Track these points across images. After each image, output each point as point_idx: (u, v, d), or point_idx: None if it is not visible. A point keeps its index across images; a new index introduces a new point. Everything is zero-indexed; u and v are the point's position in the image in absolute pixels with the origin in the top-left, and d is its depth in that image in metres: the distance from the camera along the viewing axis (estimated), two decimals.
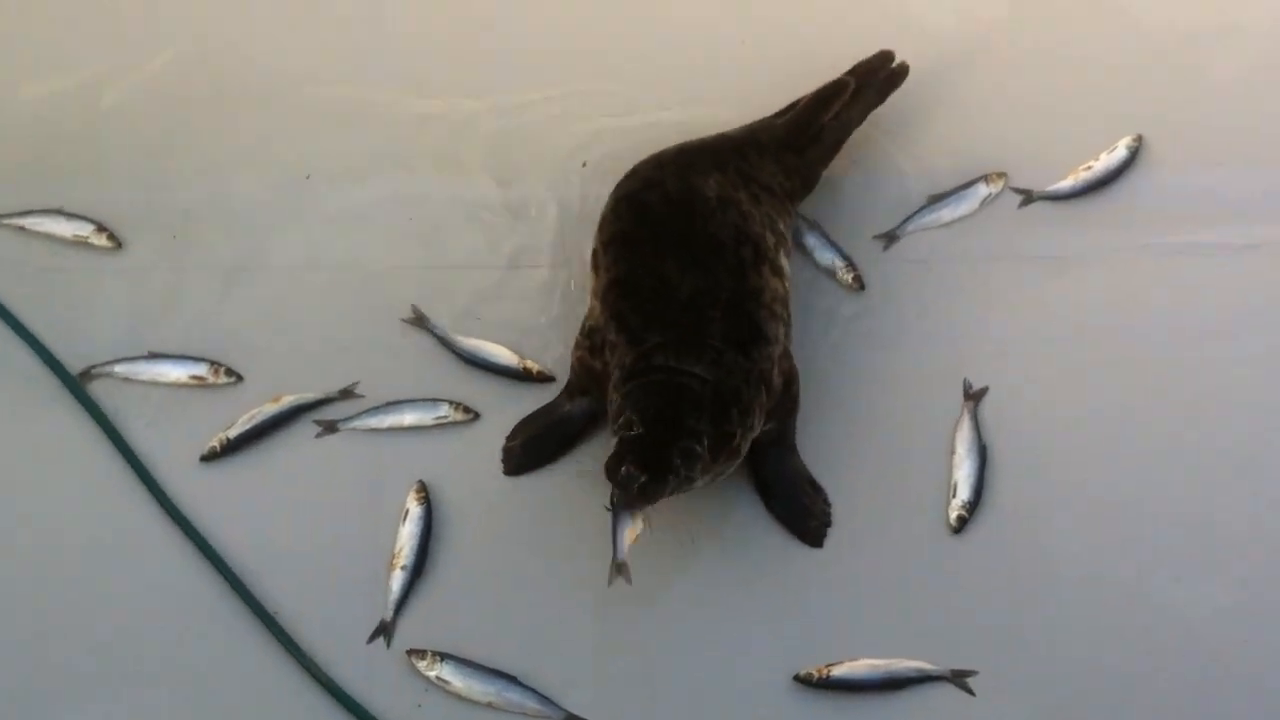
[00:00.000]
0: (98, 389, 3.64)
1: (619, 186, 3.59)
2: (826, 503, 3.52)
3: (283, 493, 3.55)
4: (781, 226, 3.58)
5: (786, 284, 3.49)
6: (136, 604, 3.42)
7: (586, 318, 3.52)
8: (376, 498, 3.52)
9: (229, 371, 3.65)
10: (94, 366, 3.66)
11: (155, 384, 3.65)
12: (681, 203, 3.44)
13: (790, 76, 3.86)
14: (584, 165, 3.92)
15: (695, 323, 3.25)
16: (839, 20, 4.09)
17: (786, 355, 3.43)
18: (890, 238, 3.86)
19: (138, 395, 3.64)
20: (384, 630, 3.39)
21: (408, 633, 3.40)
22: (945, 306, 3.77)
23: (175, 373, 3.65)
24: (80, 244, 3.79)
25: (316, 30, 4.10)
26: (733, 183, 3.53)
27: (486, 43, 4.08)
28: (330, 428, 3.59)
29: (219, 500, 3.52)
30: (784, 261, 3.53)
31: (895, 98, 3.90)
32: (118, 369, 3.65)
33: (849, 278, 3.77)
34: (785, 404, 3.44)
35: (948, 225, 3.87)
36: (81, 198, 3.85)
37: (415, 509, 3.47)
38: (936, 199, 3.89)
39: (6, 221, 3.81)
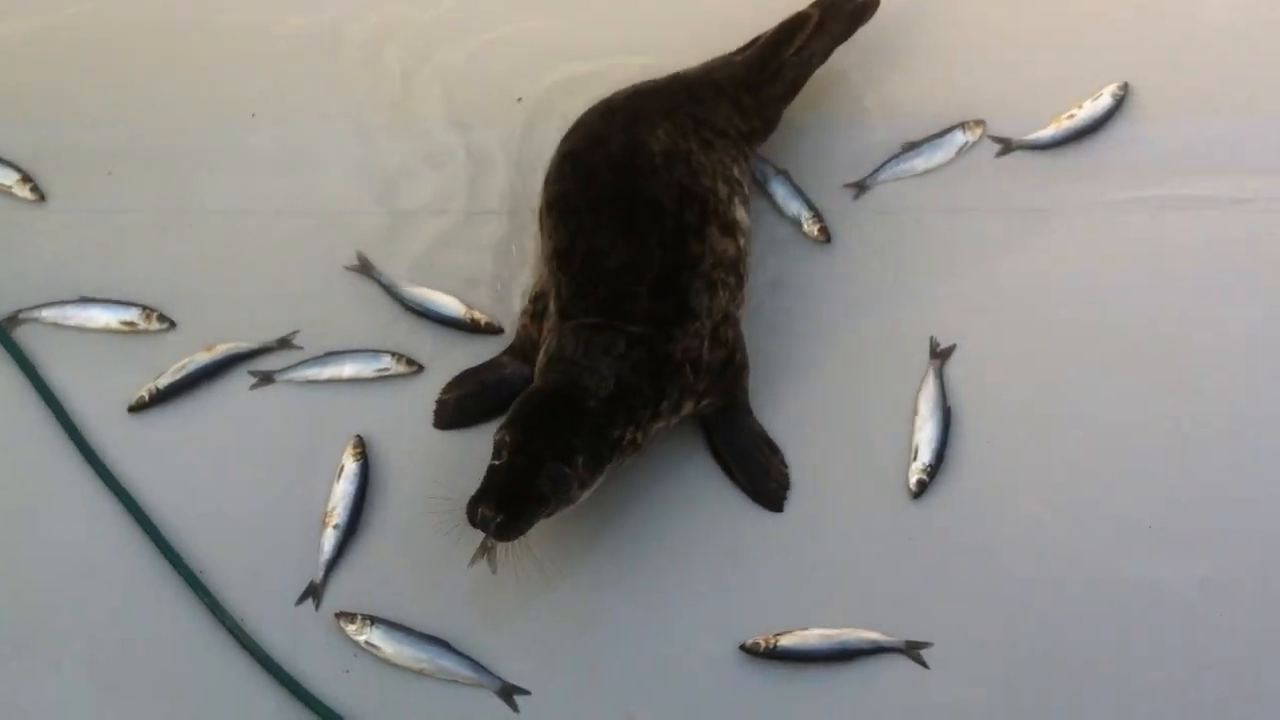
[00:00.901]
0: (24, 334, 3.51)
1: (565, 139, 3.45)
2: (784, 464, 3.39)
3: (213, 446, 3.42)
4: (736, 172, 3.44)
5: (741, 241, 3.35)
6: (56, 559, 3.30)
7: (534, 282, 3.42)
8: (311, 453, 3.39)
9: (161, 317, 3.51)
10: (21, 311, 3.52)
11: (84, 330, 3.52)
12: (623, 163, 3.30)
13: (754, 12, 3.70)
14: (519, 100, 3.79)
15: (618, 299, 3.16)
16: None
17: (728, 323, 3.29)
18: (860, 187, 3.72)
19: (66, 341, 3.51)
20: (313, 592, 3.26)
21: (338, 595, 3.27)
22: (916, 260, 3.63)
23: (105, 318, 3.51)
24: (3, 193, 3.65)
25: None
26: (683, 131, 3.39)
27: None
28: (266, 379, 3.46)
29: (146, 453, 3.39)
30: (738, 214, 3.38)
31: (867, 37, 3.74)
32: (45, 314, 3.51)
33: (815, 229, 3.63)
34: (727, 376, 3.33)
35: (921, 175, 3.73)
36: (9, 135, 3.73)
37: (351, 465, 3.34)
38: (910, 147, 3.75)
39: None
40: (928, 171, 3.72)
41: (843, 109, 3.81)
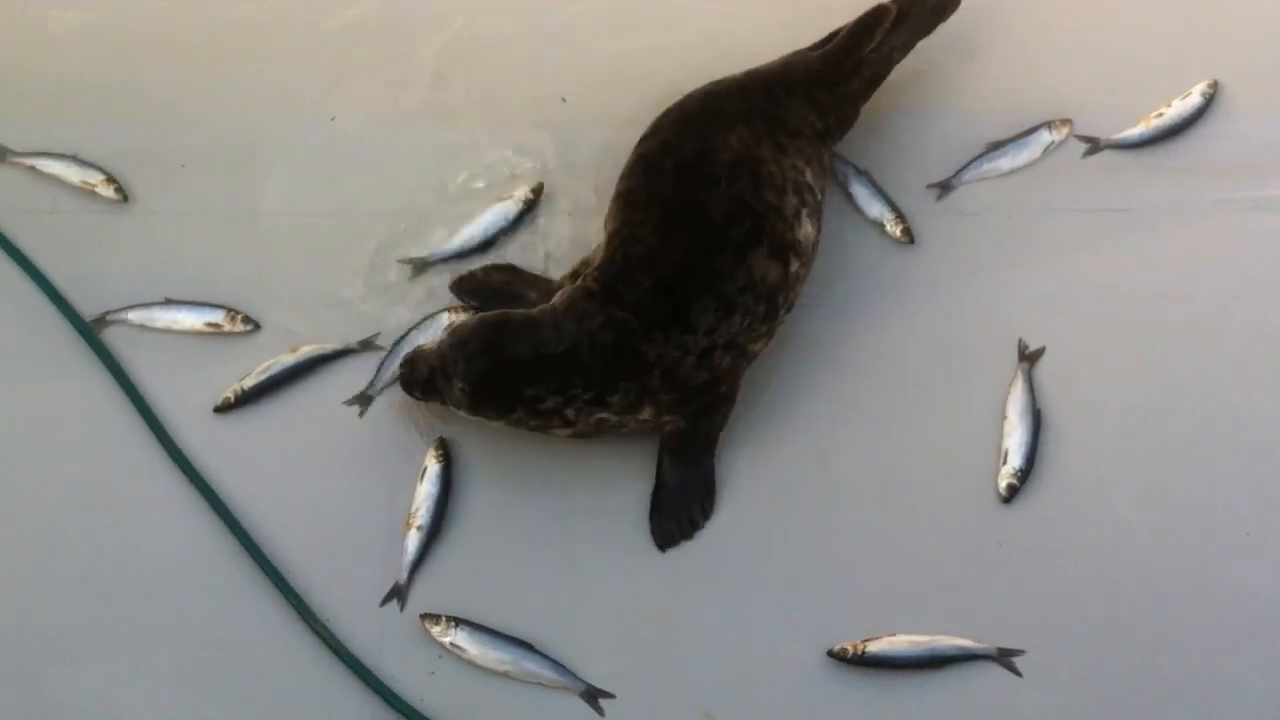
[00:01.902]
0: (111, 335, 3.52)
1: (642, 141, 3.43)
2: (704, 515, 3.33)
3: (298, 447, 3.42)
4: (810, 176, 3.39)
5: (793, 266, 3.29)
6: (143, 560, 3.31)
7: (594, 252, 3.43)
8: (394, 454, 3.39)
9: (246, 319, 3.51)
10: (108, 313, 3.54)
11: (170, 331, 3.53)
12: (688, 169, 3.29)
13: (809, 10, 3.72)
14: (564, 100, 3.80)
15: (623, 281, 3.19)
16: None
17: (732, 351, 3.24)
18: (944, 187, 3.67)
19: (152, 343, 3.52)
20: (397, 593, 3.25)
21: (422, 596, 3.26)
22: (1002, 261, 3.59)
23: (190, 320, 3.52)
24: (87, 192, 3.67)
25: None
26: (756, 135, 3.35)
27: None
28: (364, 400, 3.46)
29: (232, 453, 3.40)
30: (801, 233, 3.32)
31: (949, 32, 3.70)
32: (132, 315, 3.53)
33: (898, 230, 3.58)
34: (702, 402, 3.29)
35: (1007, 174, 3.68)
36: (94, 136, 3.74)
37: (434, 467, 3.33)
38: (995, 146, 3.70)
39: (19, 160, 3.69)
40: (1013, 171, 3.67)
41: (925, 107, 3.76)
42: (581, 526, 3.32)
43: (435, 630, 3.18)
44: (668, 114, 3.46)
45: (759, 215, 3.25)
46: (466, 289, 3.55)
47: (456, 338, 3.18)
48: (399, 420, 3.41)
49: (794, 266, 3.29)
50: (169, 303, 3.53)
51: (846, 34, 3.55)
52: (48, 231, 3.64)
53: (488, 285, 3.56)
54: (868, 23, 3.54)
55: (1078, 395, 3.41)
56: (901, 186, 3.65)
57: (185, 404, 3.44)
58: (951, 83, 3.77)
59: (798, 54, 3.58)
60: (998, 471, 3.31)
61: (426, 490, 3.31)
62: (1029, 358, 3.43)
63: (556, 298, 3.28)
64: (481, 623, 3.20)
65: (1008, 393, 3.39)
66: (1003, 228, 3.61)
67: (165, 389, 3.46)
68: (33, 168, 3.68)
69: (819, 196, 3.42)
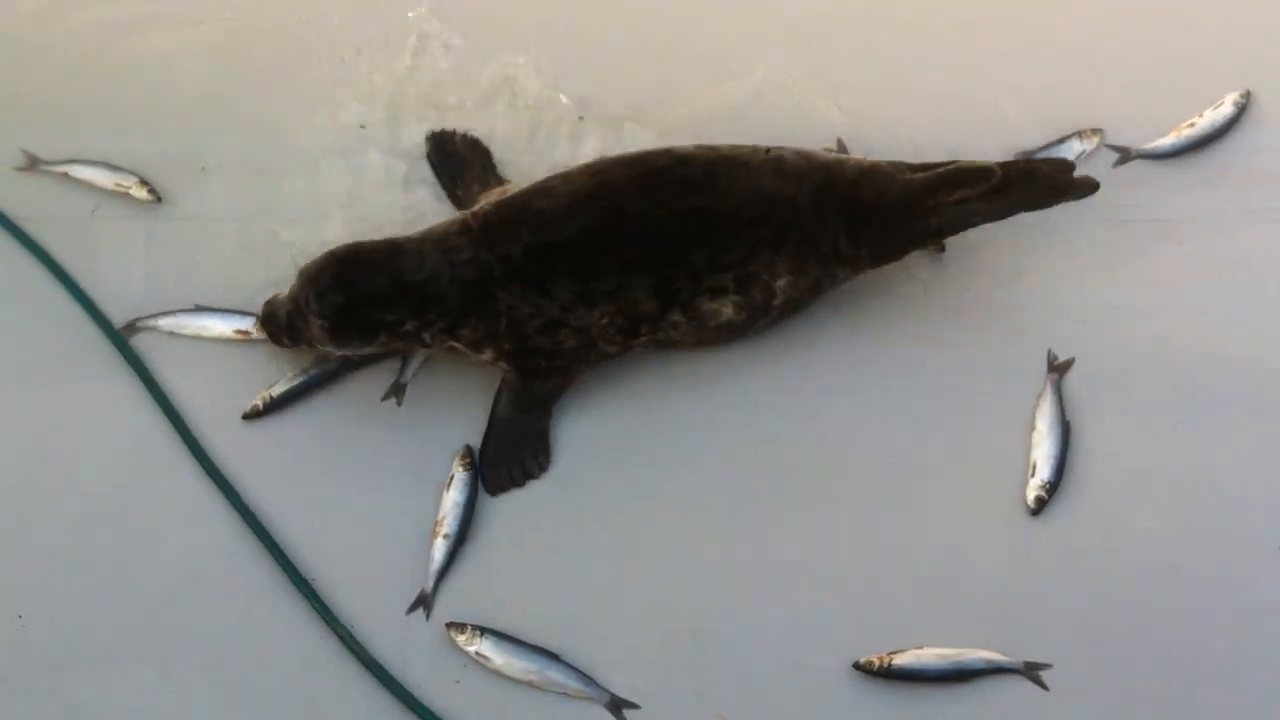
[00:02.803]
0: (141, 342, 3.54)
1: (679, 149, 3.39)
2: (539, 468, 3.38)
3: (325, 454, 3.42)
4: (780, 283, 3.32)
5: (672, 316, 3.30)
6: (172, 565, 3.31)
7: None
8: (421, 462, 3.39)
9: None
10: (138, 319, 3.55)
11: (199, 339, 3.54)
12: (666, 185, 3.26)
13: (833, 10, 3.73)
14: (580, 119, 3.83)
15: (512, 229, 3.24)
16: None
17: (579, 337, 3.30)
18: None
19: (181, 350, 3.54)
20: (423, 601, 3.25)
21: (448, 605, 3.26)
22: (1032, 271, 3.57)
23: (219, 327, 3.54)
24: (121, 194, 3.69)
25: None
26: (765, 212, 3.28)
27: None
28: (399, 390, 3.47)
29: (259, 461, 3.41)
30: (707, 306, 3.30)
31: (979, 44, 3.69)
32: (162, 322, 3.55)
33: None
34: (530, 364, 3.34)
35: None
36: (127, 146, 3.77)
37: (460, 475, 3.33)
38: (1026, 155, 3.67)
39: (50, 168, 3.72)
40: None
41: (955, 116, 3.75)
42: (607, 535, 3.31)
43: (461, 639, 3.18)
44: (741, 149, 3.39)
45: (675, 259, 3.26)
46: (438, 142, 3.73)
47: (306, 276, 3.26)
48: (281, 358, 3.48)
49: (674, 317, 3.30)
50: (199, 309, 3.55)
51: (937, 176, 3.32)
52: (79, 237, 3.66)
53: (456, 155, 3.71)
54: (967, 176, 3.31)
55: (1107, 407, 3.38)
56: None
57: (214, 411, 3.46)
58: (982, 92, 3.76)
59: (890, 166, 3.37)
60: (1026, 483, 3.29)
61: (453, 498, 3.31)
62: (1058, 369, 3.41)
63: (435, 224, 3.33)
64: (507, 632, 3.20)
65: (1037, 404, 3.36)
66: (1033, 237, 3.58)
67: (194, 396, 3.47)
68: (65, 174, 3.71)
69: (772, 301, 3.34)
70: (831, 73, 3.82)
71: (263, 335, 3.47)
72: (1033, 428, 3.34)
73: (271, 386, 3.45)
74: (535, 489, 3.36)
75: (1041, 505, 3.27)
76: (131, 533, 3.34)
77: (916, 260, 3.54)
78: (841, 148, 3.68)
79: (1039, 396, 3.37)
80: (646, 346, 3.40)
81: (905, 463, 3.35)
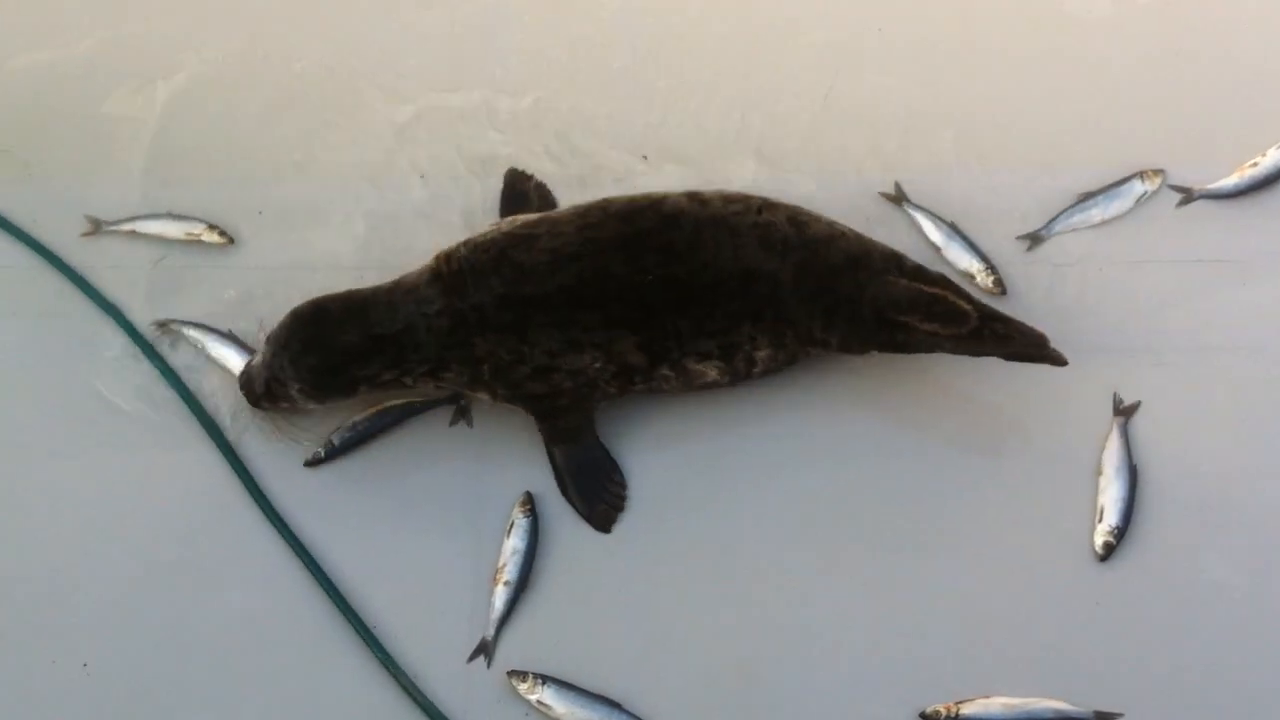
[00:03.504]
0: (202, 389, 3.58)
1: (663, 196, 3.40)
2: (621, 486, 3.38)
3: (386, 501, 3.42)
4: (760, 355, 3.33)
5: (662, 369, 3.31)
6: (235, 612, 3.32)
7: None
8: (481, 508, 3.39)
9: None
10: (169, 321, 3.63)
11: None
12: (652, 245, 3.26)
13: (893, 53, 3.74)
14: (645, 158, 3.82)
15: (483, 278, 3.24)
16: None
17: (575, 379, 3.30)
18: (1035, 238, 3.63)
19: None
20: (484, 649, 3.24)
21: (509, 652, 3.25)
22: (1095, 314, 3.54)
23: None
24: (192, 242, 3.72)
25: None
26: (752, 281, 3.27)
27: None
28: (464, 413, 3.49)
29: (320, 508, 3.41)
30: (692, 365, 3.31)
31: (1040, 85, 3.70)
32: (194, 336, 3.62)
33: (989, 281, 3.54)
34: (545, 407, 3.35)
35: (1099, 225, 3.64)
36: (193, 194, 3.83)
37: (521, 521, 3.32)
38: (1087, 197, 3.66)
39: (116, 228, 3.75)
40: (1105, 222, 3.63)
41: (1014, 158, 3.73)
42: (669, 582, 3.29)
43: (522, 687, 3.16)
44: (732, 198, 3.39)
45: (660, 323, 3.25)
46: (512, 179, 3.75)
47: (277, 343, 3.29)
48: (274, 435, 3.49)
49: (664, 371, 3.31)
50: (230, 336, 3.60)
51: (914, 298, 3.25)
52: (146, 287, 3.70)
53: (524, 195, 3.71)
54: (942, 312, 3.24)
55: (1175, 451, 3.34)
56: (991, 238, 3.61)
57: (275, 458, 3.46)
58: (1041, 133, 3.74)
59: (870, 258, 3.32)
60: (1094, 529, 3.25)
61: (513, 545, 3.30)
62: (1124, 412, 3.37)
63: (408, 274, 3.33)
64: (568, 680, 3.18)
65: (1103, 448, 3.32)
66: (1095, 279, 3.56)
67: (257, 444, 3.48)
68: (133, 231, 3.74)
69: (753, 370, 3.36)
70: (891, 111, 3.81)
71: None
72: (1099, 472, 3.30)
73: (331, 434, 3.45)
74: (594, 535, 3.34)
75: (1110, 551, 3.23)
76: (195, 581, 3.34)
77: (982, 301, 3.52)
78: (900, 192, 3.67)
79: (1105, 440, 3.33)
80: (643, 393, 3.40)
81: (970, 507, 3.31)
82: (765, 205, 3.34)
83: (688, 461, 3.41)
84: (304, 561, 3.32)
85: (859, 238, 3.37)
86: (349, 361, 3.26)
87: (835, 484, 3.36)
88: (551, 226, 3.29)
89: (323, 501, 3.41)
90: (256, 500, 3.39)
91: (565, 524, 3.36)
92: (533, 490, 3.37)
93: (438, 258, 3.31)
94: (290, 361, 3.26)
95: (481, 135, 3.87)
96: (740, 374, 3.36)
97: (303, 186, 3.83)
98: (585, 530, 3.35)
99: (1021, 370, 3.40)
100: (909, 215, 3.65)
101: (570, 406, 3.36)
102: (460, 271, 3.26)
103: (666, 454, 3.43)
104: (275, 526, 3.36)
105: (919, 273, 3.33)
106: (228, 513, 3.40)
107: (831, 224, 3.37)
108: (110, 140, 3.91)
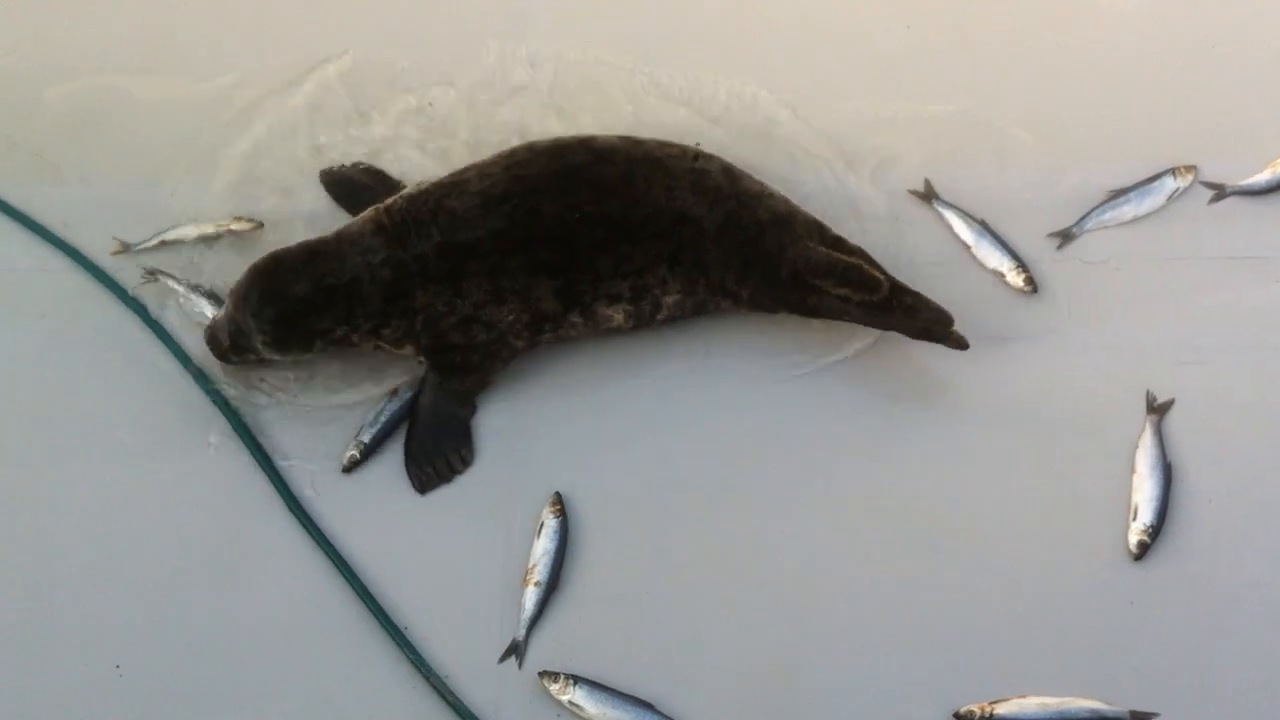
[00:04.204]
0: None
1: (590, 137, 3.48)
2: (462, 462, 3.41)
3: (414, 502, 3.41)
4: (668, 299, 3.41)
5: (572, 316, 3.38)
6: (265, 614, 3.31)
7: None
8: (511, 509, 3.38)
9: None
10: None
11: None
12: (580, 182, 3.32)
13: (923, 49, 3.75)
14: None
15: (425, 226, 3.29)
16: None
17: (492, 331, 3.36)
18: (1066, 236, 3.61)
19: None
20: (515, 650, 3.22)
21: (540, 653, 3.23)
22: (1127, 311, 3.52)
23: None
24: (224, 234, 3.72)
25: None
26: (674, 223, 3.34)
27: None
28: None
29: (350, 508, 3.40)
30: (601, 311, 3.39)
31: (1070, 81, 3.70)
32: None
33: (1020, 280, 3.52)
34: (449, 358, 3.40)
35: (1131, 222, 3.62)
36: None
37: (551, 522, 3.31)
38: (1118, 194, 3.64)
39: (145, 246, 3.75)
40: (1137, 219, 3.61)
41: (1044, 155, 3.72)
42: (700, 583, 3.27)
43: (554, 688, 3.15)
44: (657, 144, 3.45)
45: (581, 264, 3.32)
46: (333, 179, 3.75)
47: (236, 297, 3.33)
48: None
49: (573, 318, 3.38)
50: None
51: (830, 264, 3.31)
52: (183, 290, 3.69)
53: (353, 182, 3.72)
54: (855, 279, 3.29)
55: (1209, 448, 3.31)
56: (1021, 236, 3.60)
57: (304, 459, 3.46)
58: (1072, 130, 3.72)
59: (794, 222, 3.39)
60: (1128, 528, 3.22)
61: (544, 546, 3.29)
62: (1158, 410, 3.35)
63: (351, 223, 3.38)
64: (600, 680, 3.16)
65: (1137, 446, 3.30)
66: (1128, 276, 3.55)
67: (285, 445, 3.48)
68: (161, 242, 3.74)
69: (656, 315, 3.43)
70: (920, 109, 3.81)
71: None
72: (1133, 470, 3.28)
73: (359, 433, 3.45)
74: (624, 535, 3.32)
75: (1144, 550, 3.20)
76: (226, 583, 3.33)
77: (1008, 303, 3.51)
78: (929, 189, 3.65)
79: (1139, 438, 3.31)
80: (549, 343, 3.45)
81: (1004, 506, 3.29)
82: (700, 154, 3.42)
83: (721, 460, 3.40)
84: (335, 563, 3.31)
85: (787, 202, 3.43)
86: (304, 312, 3.31)
87: (868, 483, 3.34)
88: (480, 171, 3.36)
89: (353, 503, 3.40)
90: (287, 502, 3.38)
91: (596, 524, 3.35)
92: (562, 491, 3.36)
93: (378, 210, 3.37)
94: (251, 314, 3.31)
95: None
96: (645, 318, 3.43)
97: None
98: (616, 531, 3.34)
99: (1055, 369, 3.42)
100: (938, 212, 3.63)
101: (477, 365, 3.41)
102: (402, 222, 3.31)
103: (700, 451, 3.42)
104: (306, 528, 3.35)
105: (839, 243, 3.39)
106: (259, 514, 3.39)
107: (762, 184, 3.44)
108: (145, 150, 3.92)
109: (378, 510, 3.40)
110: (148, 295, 3.65)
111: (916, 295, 3.32)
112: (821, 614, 3.22)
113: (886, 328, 3.36)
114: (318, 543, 3.33)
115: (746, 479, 3.37)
